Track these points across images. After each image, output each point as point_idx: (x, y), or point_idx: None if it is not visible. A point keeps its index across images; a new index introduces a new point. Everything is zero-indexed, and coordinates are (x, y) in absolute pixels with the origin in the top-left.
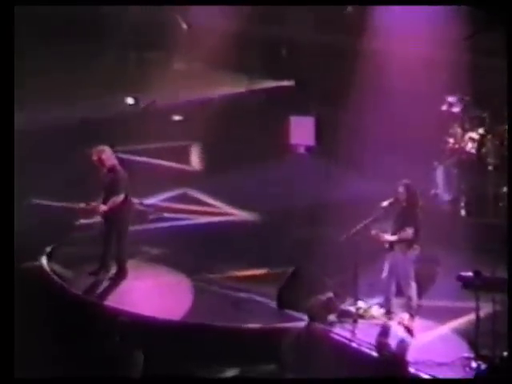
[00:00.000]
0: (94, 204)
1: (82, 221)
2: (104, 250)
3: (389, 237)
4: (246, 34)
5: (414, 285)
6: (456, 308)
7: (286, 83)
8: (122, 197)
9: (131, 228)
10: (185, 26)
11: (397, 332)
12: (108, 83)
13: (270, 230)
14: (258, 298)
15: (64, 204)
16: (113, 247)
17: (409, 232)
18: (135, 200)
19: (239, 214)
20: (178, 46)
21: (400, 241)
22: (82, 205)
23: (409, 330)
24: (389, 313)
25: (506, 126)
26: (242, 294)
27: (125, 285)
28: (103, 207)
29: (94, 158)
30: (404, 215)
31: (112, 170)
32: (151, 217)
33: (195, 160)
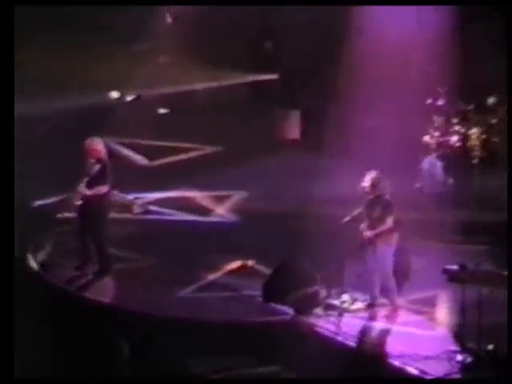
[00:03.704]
0: (78, 189)
1: (66, 214)
2: (82, 243)
3: (369, 232)
4: (232, 27)
5: (394, 278)
6: (440, 301)
7: (271, 76)
8: (107, 187)
9: (117, 221)
10: (170, 20)
11: (381, 325)
12: (95, 77)
13: (257, 224)
14: (245, 292)
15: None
16: (92, 240)
17: (388, 222)
18: (116, 192)
19: (225, 208)
20: (164, 39)
21: (380, 234)
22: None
23: (392, 323)
24: (373, 306)
25: (493, 120)
26: (229, 288)
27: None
28: (87, 191)
29: (86, 148)
30: (377, 206)
31: (100, 161)
32: (137, 211)
33: (182, 154)
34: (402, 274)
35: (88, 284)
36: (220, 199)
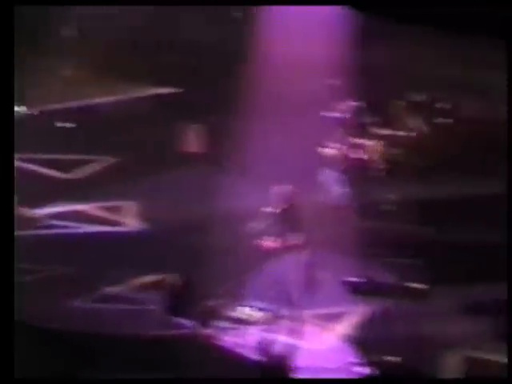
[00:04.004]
0: None
1: None
2: None
3: (273, 243)
4: (135, 40)
5: (299, 291)
6: (343, 312)
7: (174, 90)
8: None
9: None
10: (72, 32)
11: (283, 337)
12: None
13: (160, 238)
14: (147, 306)
15: None
16: None
17: (297, 238)
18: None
19: (130, 222)
20: (67, 52)
21: (286, 247)
22: None
23: (295, 336)
24: (275, 318)
25: (393, 132)
26: (131, 302)
27: None
28: None
29: None
30: (288, 221)
31: None
32: (39, 224)
33: (84, 169)
34: (307, 287)
35: None
36: (119, 211)
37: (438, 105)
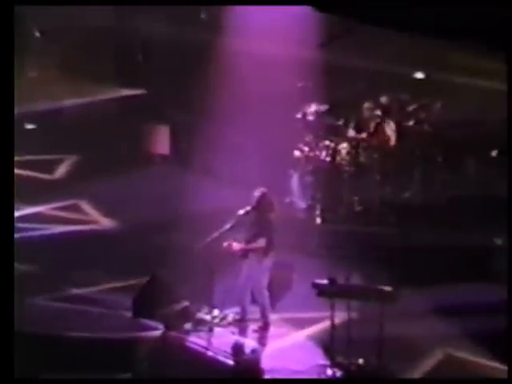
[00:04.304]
0: None
1: None
2: None
3: (240, 246)
4: (100, 41)
5: (266, 293)
6: (311, 315)
7: (140, 91)
8: None
9: None
10: (37, 33)
11: (252, 340)
12: None
13: (127, 239)
14: (114, 308)
15: None
16: None
17: (261, 242)
18: None
19: (96, 223)
20: (31, 53)
21: (252, 250)
22: None
23: (263, 338)
24: (244, 321)
25: (364, 134)
26: (97, 304)
27: None
28: None
29: None
30: (257, 224)
31: None
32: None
33: (53, 169)
34: (276, 289)
35: None
36: (91, 212)
37: (408, 107)
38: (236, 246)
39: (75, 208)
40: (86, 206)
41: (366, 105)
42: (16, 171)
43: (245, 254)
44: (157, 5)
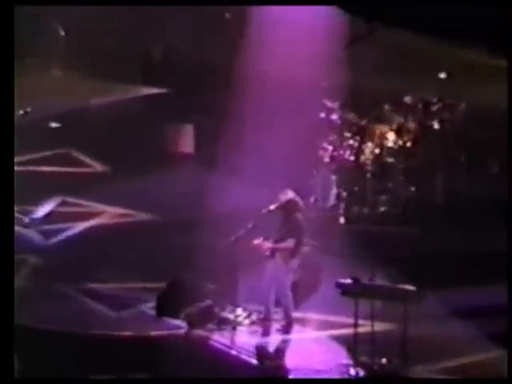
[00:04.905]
0: None
1: None
2: None
3: (269, 244)
4: (125, 41)
5: (290, 294)
6: (334, 314)
7: (163, 90)
8: None
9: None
10: (62, 33)
11: (275, 339)
12: None
13: (151, 238)
14: (139, 305)
15: None
16: None
17: (289, 243)
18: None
19: (120, 222)
20: (56, 52)
21: (280, 250)
22: None
23: (287, 337)
24: (267, 320)
25: (389, 134)
26: (123, 301)
27: None
28: None
29: None
30: (286, 224)
31: None
32: (26, 221)
33: (76, 168)
34: (302, 289)
35: None
36: (115, 211)
37: (432, 107)
38: (266, 244)
39: (101, 207)
40: (112, 205)
41: (388, 105)
42: (43, 168)
43: (272, 253)
44: (180, 5)
